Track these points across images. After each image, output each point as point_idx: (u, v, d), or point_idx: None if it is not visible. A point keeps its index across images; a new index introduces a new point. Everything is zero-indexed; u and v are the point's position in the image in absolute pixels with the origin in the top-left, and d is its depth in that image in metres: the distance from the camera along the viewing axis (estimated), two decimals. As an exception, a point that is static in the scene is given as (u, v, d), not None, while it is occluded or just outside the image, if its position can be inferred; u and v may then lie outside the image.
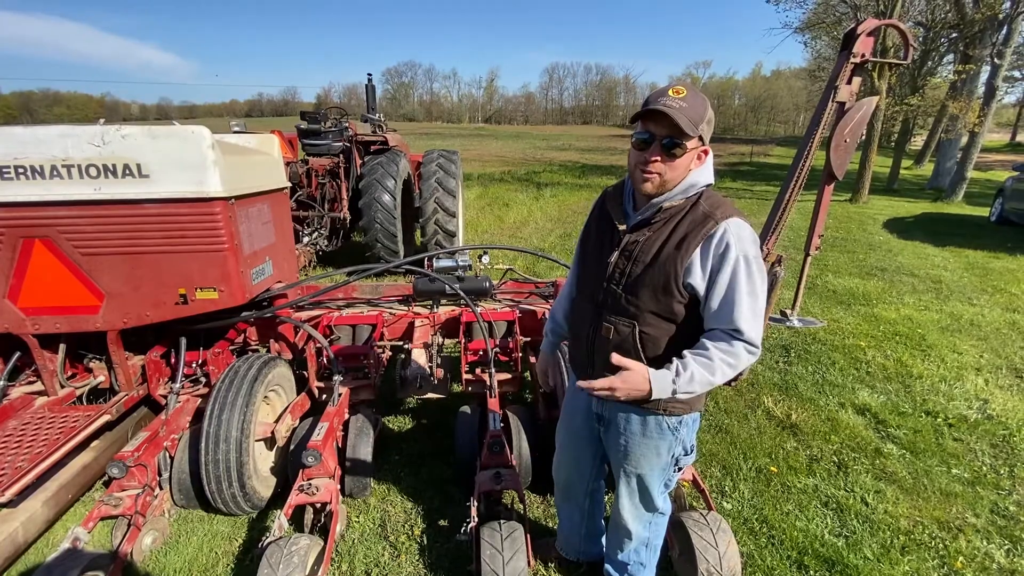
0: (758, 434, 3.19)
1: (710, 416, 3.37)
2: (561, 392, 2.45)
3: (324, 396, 2.93)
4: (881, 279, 6.55)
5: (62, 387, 2.63)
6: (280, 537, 1.97)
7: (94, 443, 2.53)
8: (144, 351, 2.77)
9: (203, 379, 2.84)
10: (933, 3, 16.56)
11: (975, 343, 4.63)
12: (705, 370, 1.37)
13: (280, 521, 2.06)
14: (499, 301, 3.40)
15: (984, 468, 2.91)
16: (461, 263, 3.30)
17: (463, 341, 2.98)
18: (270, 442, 2.59)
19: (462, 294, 3.05)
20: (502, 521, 2.02)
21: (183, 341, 2.74)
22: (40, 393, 2.61)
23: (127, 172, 2.26)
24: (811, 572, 2.20)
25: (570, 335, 1.77)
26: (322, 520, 2.27)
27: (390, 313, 3.22)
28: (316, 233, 6.19)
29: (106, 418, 2.52)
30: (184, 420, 2.64)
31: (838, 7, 15.42)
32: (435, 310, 3.23)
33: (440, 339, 3.11)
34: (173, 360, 2.79)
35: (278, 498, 2.52)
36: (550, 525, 2.45)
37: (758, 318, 1.38)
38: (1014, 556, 2.32)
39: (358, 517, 2.49)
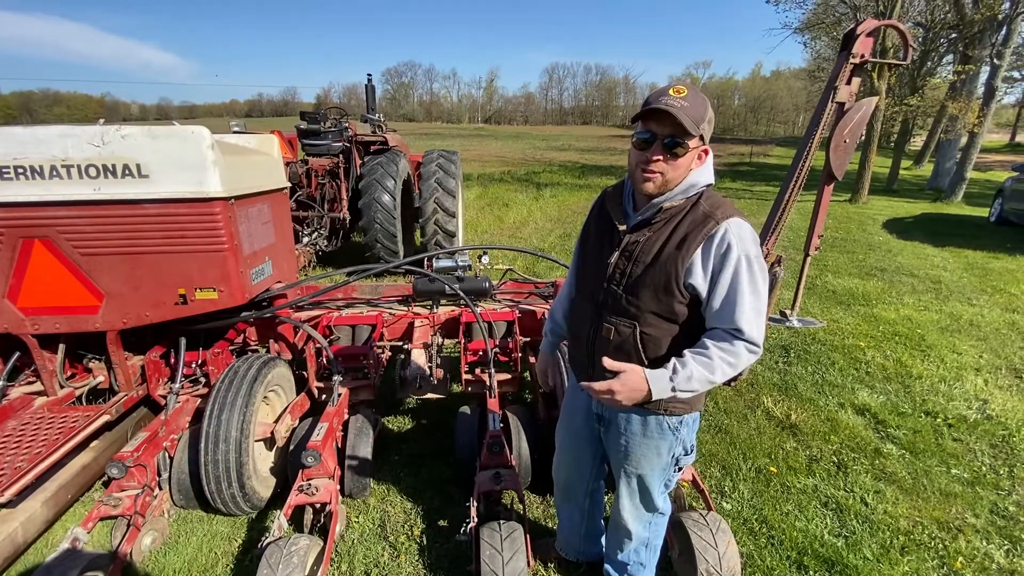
0: (758, 434, 3.19)
1: (709, 416, 3.37)
2: (561, 392, 2.45)
3: (324, 396, 2.93)
4: (881, 279, 6.56)
5: (61, 387, 2.63)
6: (280, 537, 1.97)
7: (93, 443, 2.53)
8: (144, 351, 2.77)
9: (203, 379, 2.84)
10: (932, 4, 16.57)
11: (975, 343, 4.63)
12: (704, 369, 1.37)
13: (280, 521, 2.06)
14: (499, 301, 3.40)
15: (984, 468, 2.92)
16: (461, 263, 3.30)
17: (463, 341, 2.98)
18: (270, 442, 2.59)
19: (462, 294, 3.05)
20: (502, 521, 2.02)
21: (183, 341, 2.74)
22: (39, 393, 2.61)
23: (127, 172, 2.26)
24: (811, 572, 2.20)
25: (570, 336, 1.77)
26: (322, 520, 2.26)
27: (390, 313, 3.22)
28: (316, 233, 6.19)
29: (105, 418, 2.52)
30: (184, 420, 2.64)
31: (838, 7, 15.44)
32: (435, 310, 3.23)
33: (440, 339, 3.11)
34: (173, 360, 2.79)
35: (278, 498, 2.52)
36: (550, 525, 2.45)
37: (760, 317, 1.39)
38: (1014, 556, 2.32)
39: (358, 517, 2.49)
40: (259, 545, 1.96)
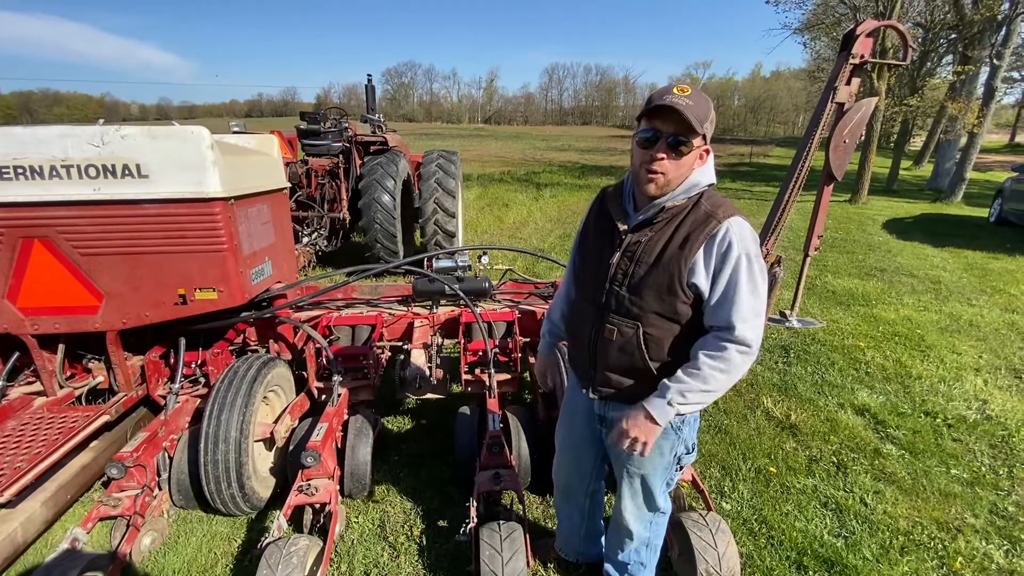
0: (757, 435, 3.19)
1: (709, 417, 3.37)
2: (561, 393, 2.45)
3: (323, 396, 2.92)
4: (880, 280, 6.56)
5: (61, 387, 2.63)
6: (279, 538, 1.97)
7: (93, 443, 2.53)
8: (143, 351, 2.77)
9: (202, 379, 2.84)
10: (932, 4, 16.57)
11: (974, 344, 4.63)
12: (697, 381, 1.38)
13: (279, 522, 2.06)
14: (498, 301, 3.40)
15: (983, 468, 2.92)
16: (460, 263, 3.30)
17: (462, 341, 2.98)
18: (269, 442, 2.59)
19: (461, 294, 3.05)
20: (501, 522, 2.02)
21: (182, 341, 2.74)
22: (39, 393, 2.61)
23: (126, 172, 2.26)
24: (810, 572, 2.20)
25: (570, 337, 1.77)
26: (321, 521, 2.26)
27: (389, 313, 3.22)
28: (316, 233, 6.19)
29: (105, 418, 2.52)
30: (183, 420, 2.64)
31: (837, 8, 15.45)
32: (434, 310, 3.23)
33: (439, 339, 3.11)
34: (172, 360, 2.79)
35: (277, 499, 2.52)
36: (549, 526, 2.45)
37: (757, 317, 1.39)
38: (1013, 556, 2.32)
39: (357, 517, 2.49)
40: (259, 545, 1.96)
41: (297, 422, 2.75)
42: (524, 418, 2.67)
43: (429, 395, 2.84)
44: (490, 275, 3.55)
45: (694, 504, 2.34)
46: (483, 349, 2.92)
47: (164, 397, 2.69)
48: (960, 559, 2.28)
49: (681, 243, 1.39)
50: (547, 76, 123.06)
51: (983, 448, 3.11)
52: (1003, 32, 13.66)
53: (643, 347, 1.47)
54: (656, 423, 1.42)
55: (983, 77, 14.76)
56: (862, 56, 2.35)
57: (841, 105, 2.43)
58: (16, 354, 2.58)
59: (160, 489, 2.41)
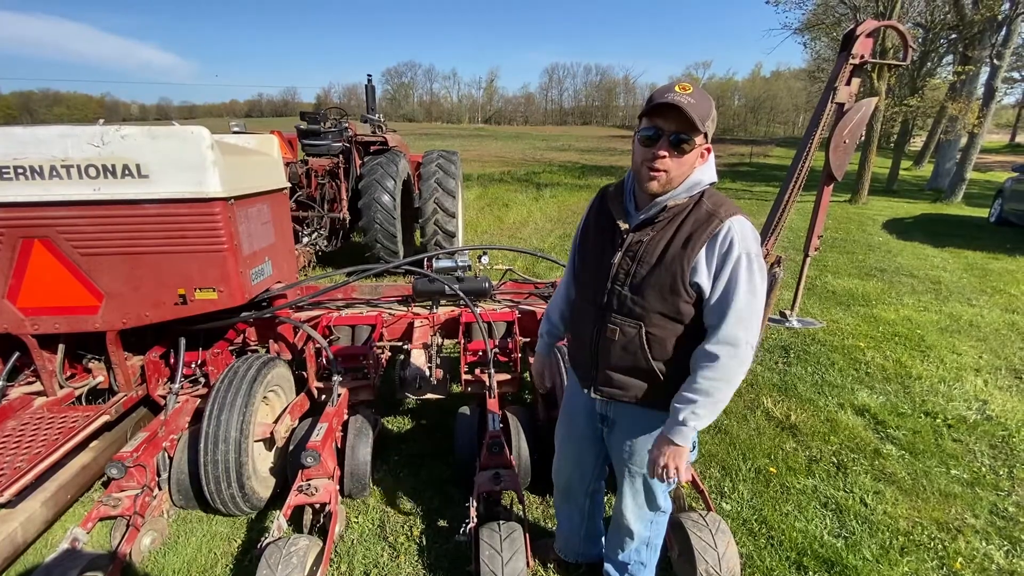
0: (757, 435, 3.19)
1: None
2: (560, 393, 2.45)
3: (323, 396, 2.92)
4: (880, 280, 6.56)
5: (61, 387, 2.63)
6: (279, 538, 1.97)
7: (93, 443, 2.53)
8: (143, 351, 2.77)
9: (202, 379, 2.84)
10: (932, 4, 16.57)
11: (974, 344, 4.63)
12: (702, 397, 1.40)
13: (279, 522, 2.06)
14: (498, 302, 3.40)
15: (983, 469, 2.92)
16: (460, 264, 3.30)
17: (462, 341, 2.98)
18: (269, 443, 2.59)
19: (461, 295, 3.05)
20: (501, 522, 2.02)
21: (182, 341, 2.74)
22: (39, 393, 2.61)
23: (126, 172, 2.26)
24: (810, 573, 2.20)
25: (571, 337, 1.76)
26: (321, 521, 2.26)
27: (389, 314, 3.22)
28: (316, 233, 6.19)
29: (105, 418, 2.52)
30: (183, 420, 2.64)
31: (837, 8, 15.44)
32: (434, 310, 3.23)
33: (439, 340, 3.11)
34: (172, 360, 2.79)
35: (277, 499, 2.52)
36: (549, 526, 2.45)
37: (754, 317, 1.39)
38: (1013, 557, 2.32)
39: (357, 518, 2.49)
40: (258, 545, 1.96)
41: (297, 422, 2.75)
42: (524, 418, 2.67)
43: (429, 395, 2.84)
44: (490, 275, 3.55)
45: (694, 504, 2.34)
46: (483, 349, 2.92)
47: (164, 397, 2.69)
48: (960, 559, 2.28)
49: (683, 242, 1.39)
50: (547, 76, 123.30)
51: (983, 448, 3.11)
52: (1003, 32, 13.65)
53: (646, 347, 1.47)
54: (680, 444, 1.45)
55: (983, 77, 14.76)
56: (862, 56, 2.35)
57: (841, 105, 2.43)
58: (16, 354, 2.58)
59: (160, 489, 2.41)
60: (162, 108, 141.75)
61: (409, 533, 2.40)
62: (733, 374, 1.40)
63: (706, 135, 1.37)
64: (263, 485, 2.47)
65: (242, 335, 3.03)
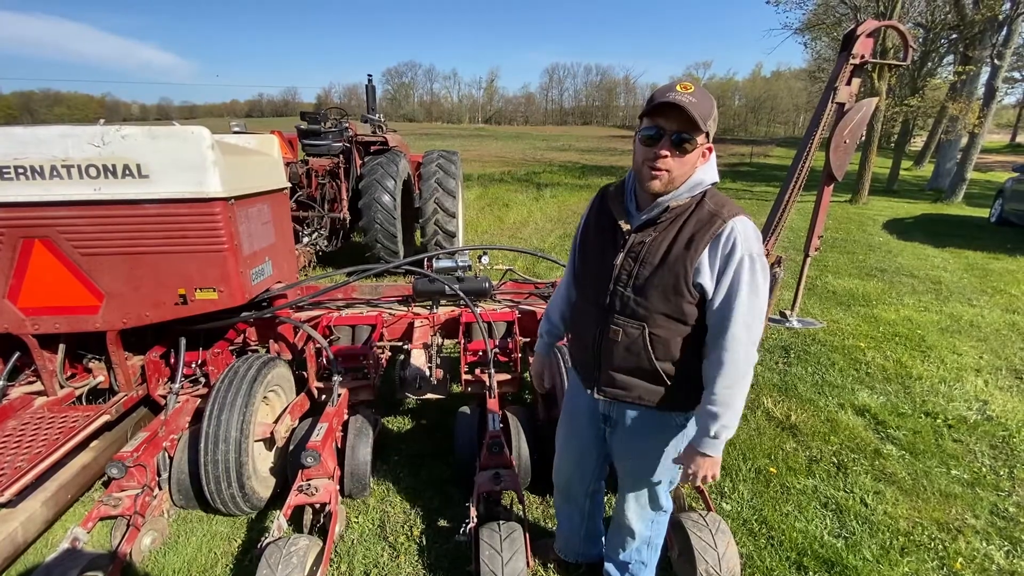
0: (757, 435, 3.19)
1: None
2: (560, 393, 2.45)
3: (323, 396, 2.93)
4: (881, 280, 6.55)
5: (61, 387, 2.63)
6: (279, 538, 1.97)
7: (93, 443, 2.53)
8: (144, 351, 2.77)
9: (202, 379, 2.84)
10: (933, 4, 16.57)
11: (975, 344, 4.63)
12: (723, 407, 1.42)
13: (279, 522, 2.06)
14: (499, 302, 3.40)
15: (984, 469, 2.91)
16: (461, 264, 3.30)
17: (462, 341, 2.98)
18: (269, 442, 2.59)
19: (461, 295, 3.05)
20: (501, 522, 2.02)
21: (183, 341, 2.74)
22: (40, 393, 2.61)
23: (127, 172, 2.26)
24: (810, 573, 2.20)
25: (573, 338, 1.76)
26: (321, 520, 2.26)
27: (390, 314, 3.22)
28: (316, 233, 6.19)
29: (105, 418, 2.52)
30: (183, 420, 2.64)
31: (838, 8, 15.43)
32: (435, 310, 3.23)
33: (440, 339, 3.11)
34: (172, 360, 2.79)
35: (277, 498, 2.52)
36: (549, 526, 2.45)
37: (758, 318, 1.39)
38: (1014, 557, 2.32)
39: (357, 517, 2.49)
40: (259, 545, 1.96)
41: (297, 422, 2.75)
42: (524, 418, 2.66)
43: (429, 395, 2.84)
44: (490, 275, 3.55)
45: (694, 504, 2.34)
46: (483, 349, 2.92)
47: (164, 397, 2.69)
48: (960, 560, 2.28)
49: (686, 243, 1.39)
50: (547, 76, 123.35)
51: (984, 449, 3.10)
52: (1004, 32, 13.65)
53: (649, 348, 1.47)
54: (714, 455, 1.48)
55: (984, 77, 14.76)
56: (863, 56, 2.35)
57: (841, 105, 2.43)
58: (17, 354, 2.58)
59: (160, 489, 2.42)
60: (163, 108, 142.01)
61: (409, 533, 2.40)
62: (744, 375, 1.41)
63: (708, 134, 1.36)
64: (263, 485, 2.47)
65: (242, 335, 3.03)
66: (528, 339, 3.21)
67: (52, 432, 2.32)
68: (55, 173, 2.22)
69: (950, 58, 18.77)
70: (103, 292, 2.41)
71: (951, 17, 15.61)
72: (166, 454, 2.45)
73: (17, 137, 2.20)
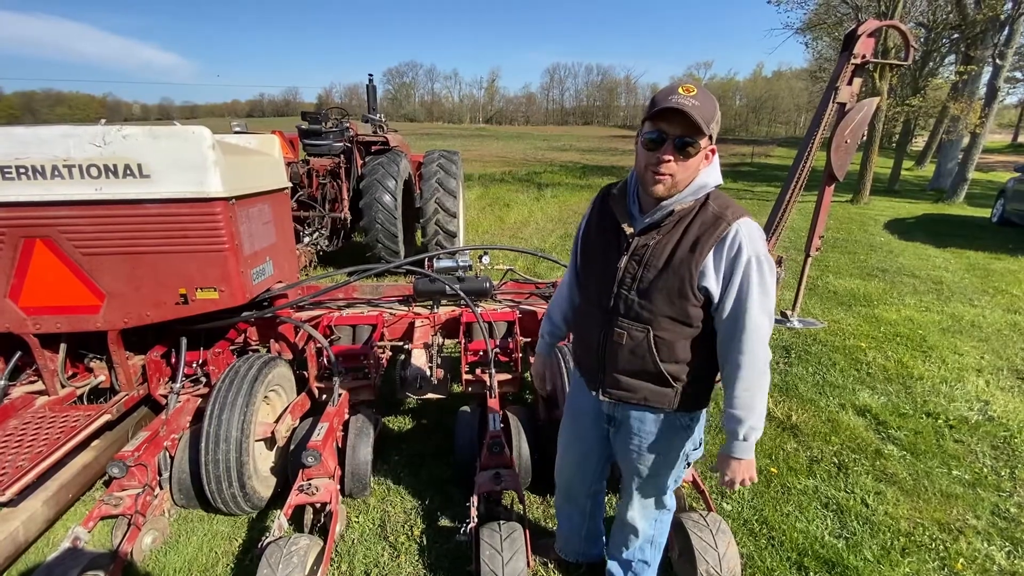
0: (758, 435, 3.19)
1: (710, 417, 3.36)
2: (561, 393, 2.45)
3: (324, 396, 2.93)
4: (882, 280, 6.55)
5: (63, 387, 2.63)
6: (280, 537, 1.97)
7: (94, 443, 2.53)
8: (144, 351, 2.78)
9: (203, 379, 2.84)
10: (934, 4, 16.54)
11: (976, 344, 4.62)
12: (746, 411, 1.44)
13: (280, 521, 2.07)
14: (499, 302, 3.40)
15: (985, 470, 2.91)
16: (461, 263, 3.30)
17: (463, 341, 2.98)
18: (270, 442, 2.60)
19: (462, 294, 3.05)
20: (502, 522, 2.02)
21: (183, 341, 2.74)
22: (41, 393, 2.62)
23: (128, 172, 2.26)
24: (811, 573, 2.20)
25: (576, 340, 1.76)
26: (322, 520, 2.27)
27: (390, 313, 3.22)
28: (317, 233, 6.20)
29: (106, 418, 2.52)
30: (184, 420, 2.65)
31: (839, 8, 15.43)
32: (435, 310, 3.23)
33: (440, 339, 3.12)
34: (173, 360, 2.80)
35: (278, 498, 2.53)
36: (550, 526, 2.45)
37: (768, 318, 1.39)
38: (1015, 558, 2.32)
39: (358, 517, 2.49)
40: (259, 545, 1.96)
41: (298, 422, 2.75)
42: (525, 418, 2.66)
43: (430, 395, 2.84)
44: (491, 275, 3.55)
45: (695, 504, 2.33)
46: (484, 349, 2.92)
47: (165, 396, 2.70)
48: (962, 560, 2.28)
49: (691, 246, 1.38)
50: (548, 76, 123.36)
51: (985, 449, 3.10)
52: (1006, 32, 13.63)
53: (654, 350, 1.47)
54: (747, 458, 1.52)
55: (986, 77, 14.73)
56: (864, 56, 2.35)
57: (843, 105, 2.43)
58: (18, 353, 2.58)
59: (161, 488, 2.42)
60: (164, 108, 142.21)
61: (410, 533, 2.41)
62: (762, 375, 1.42)
63: (711, 137, 1.35)
64: (264, 484, 2.47)
65: (243, 335, 3.04)
66: (529, 339, 3.21)
67: (53, 431, 2.32)
68: (56, 173, 2.22)
69: (952, 58, 18.75)
70: (104, 292, 2.41)
71: (953, 17, 15.60)
72: (167, 453, 2.46)
73: (19, 137, 2.20)
